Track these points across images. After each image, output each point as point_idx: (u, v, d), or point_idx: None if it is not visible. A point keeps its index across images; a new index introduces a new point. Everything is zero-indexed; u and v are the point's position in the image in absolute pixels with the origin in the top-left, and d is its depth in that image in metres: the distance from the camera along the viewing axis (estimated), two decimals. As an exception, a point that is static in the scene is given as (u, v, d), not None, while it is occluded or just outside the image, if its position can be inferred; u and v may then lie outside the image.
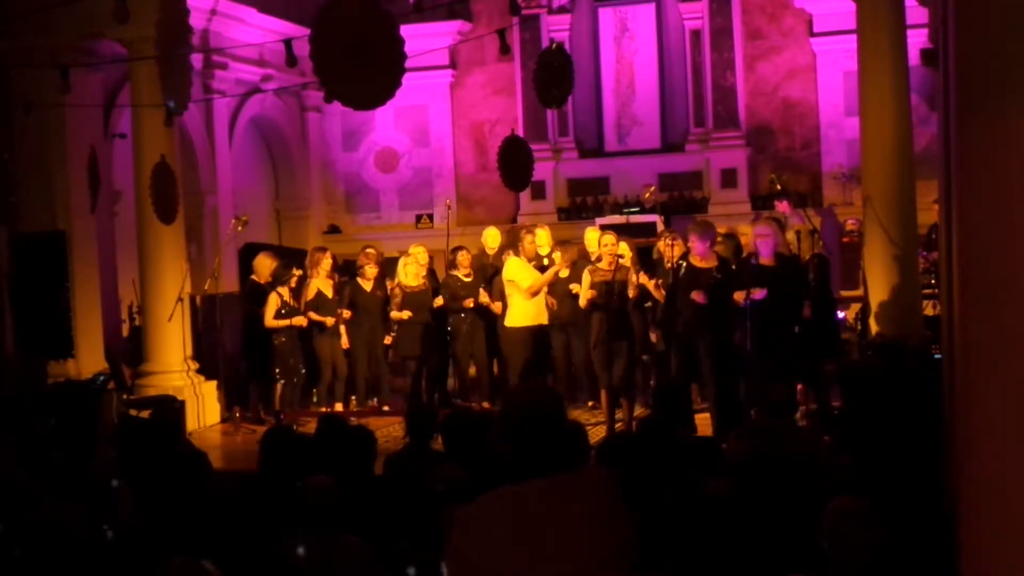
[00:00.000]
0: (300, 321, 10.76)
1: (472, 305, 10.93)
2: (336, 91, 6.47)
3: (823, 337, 9.47)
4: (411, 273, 11.01)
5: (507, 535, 2.74)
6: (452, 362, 11.51)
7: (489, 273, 11.28)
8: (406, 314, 10.89)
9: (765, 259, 8.90)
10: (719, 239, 10.16)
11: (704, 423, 9.31)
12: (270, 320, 10.67)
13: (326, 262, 11.07)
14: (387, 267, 11.70)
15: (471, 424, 5.73)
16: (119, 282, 12.62)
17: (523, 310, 10.41)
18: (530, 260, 10.68)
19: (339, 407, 11.08)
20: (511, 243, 11.39)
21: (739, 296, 8.77)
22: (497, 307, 10.83)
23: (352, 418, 9.57)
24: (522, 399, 2.95)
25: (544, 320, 10.50)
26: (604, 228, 10.46)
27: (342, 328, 11.05)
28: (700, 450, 5.78)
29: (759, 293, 8.67)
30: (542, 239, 11.29)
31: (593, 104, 14.98)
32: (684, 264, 9.25)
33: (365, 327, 11.11)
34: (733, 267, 9.29)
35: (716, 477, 4.77)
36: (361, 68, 6.41)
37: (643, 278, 9.67)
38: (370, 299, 11.10)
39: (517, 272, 10.42)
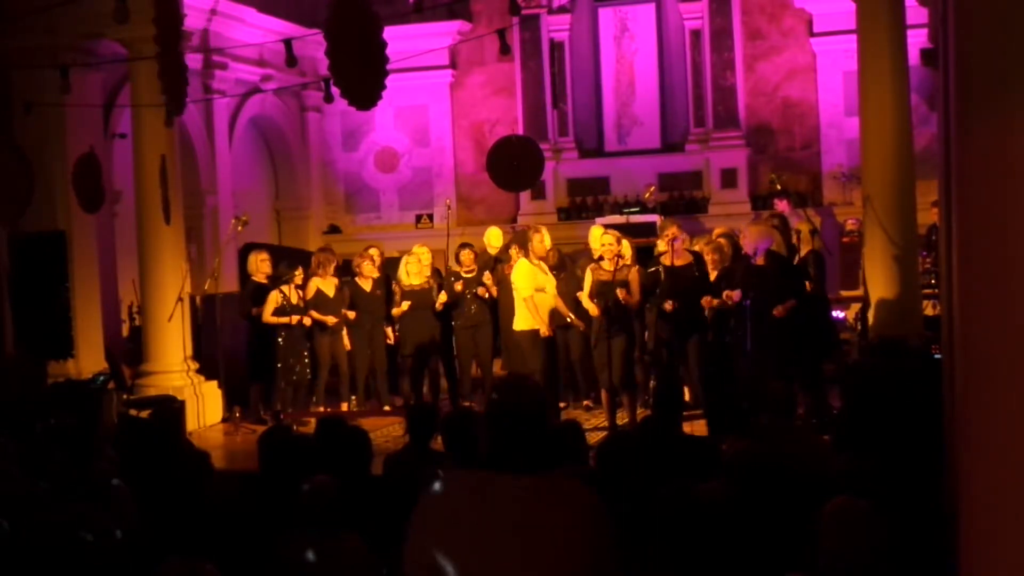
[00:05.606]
0: (303, 319, 10.73)
1: (462, 288, 10.89)
2: (344, 89, 6.58)
3: (819, 337, 9.48)
4: (412, 271, 11.00)
5: (468, 522, 2.68)
6: (455, 361, 11.50)
7: (491, 267, 11.25)
8: (405, 305, 10.88)
9: (758, 259, 9.06)
10: (719, 239, 10.18)
11: (699, 424, 9.33)
12: (268, 316, 10.65)
13: (332, 265, 11.07)
14: (388, 267, 11.69)
15: (471, 424, 5.72)
16: (119, 282, 12.61)
17: (525, 314, 9.84)
18: (540, 258, 9.94)
19: (344, 407, 11.07)
20: (520, 243, 10.87)
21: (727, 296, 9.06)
22: (496, 291, 10.81)
23: (357, 418, 9.62)
24: (505, 395, 2.87)
25: (557, 321, 9.99)
26: (606, 228, 10.43)
27: (344, 328, 11.04)
28: (699, 450, 5.78)
29: (735, 295, 8.91)
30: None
31: (593, 104, 14.97)
32: (660, 267, 9.29)
33: (366, 327, 11.10)
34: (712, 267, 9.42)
35: (714, 477, 4.77)
36: (362, 67, 6.53)
37: (625, 294, 9.55)
38: (369, 299, 11.09)
39: (521, 278, 9.86)
